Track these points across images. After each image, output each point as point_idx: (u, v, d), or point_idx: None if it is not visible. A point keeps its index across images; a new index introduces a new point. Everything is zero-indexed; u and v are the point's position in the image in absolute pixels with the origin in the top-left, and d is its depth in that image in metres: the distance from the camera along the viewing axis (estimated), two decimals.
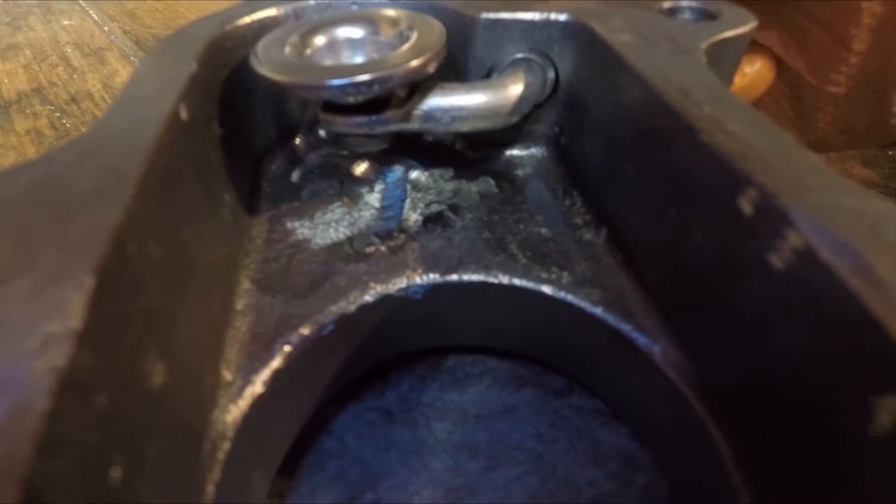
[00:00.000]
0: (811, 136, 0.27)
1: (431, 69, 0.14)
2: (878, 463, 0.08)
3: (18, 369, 0.07)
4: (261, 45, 0.15)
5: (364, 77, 0.13)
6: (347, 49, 0.16)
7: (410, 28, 0.15)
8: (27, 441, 0.06)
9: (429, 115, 0.15)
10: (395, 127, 0.15)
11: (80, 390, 0.07)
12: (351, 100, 0.14)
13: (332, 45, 0.15)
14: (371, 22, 0.16)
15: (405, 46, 0.14)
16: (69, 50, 0.45)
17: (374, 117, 0.15)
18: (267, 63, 0.14)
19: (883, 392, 0.08)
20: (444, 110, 0.15)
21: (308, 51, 0.15)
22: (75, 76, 0.41)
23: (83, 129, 0.35)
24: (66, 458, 0.07)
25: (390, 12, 0.16)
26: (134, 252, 0.09)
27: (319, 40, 0.15)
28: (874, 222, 0.08)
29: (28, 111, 0.37)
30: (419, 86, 0.15)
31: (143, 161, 0.10)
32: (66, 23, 0.50)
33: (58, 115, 0.36)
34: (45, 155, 0.11)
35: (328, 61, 0.15)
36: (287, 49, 0.14)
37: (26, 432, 0.06)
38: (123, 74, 0.41)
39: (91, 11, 0.53)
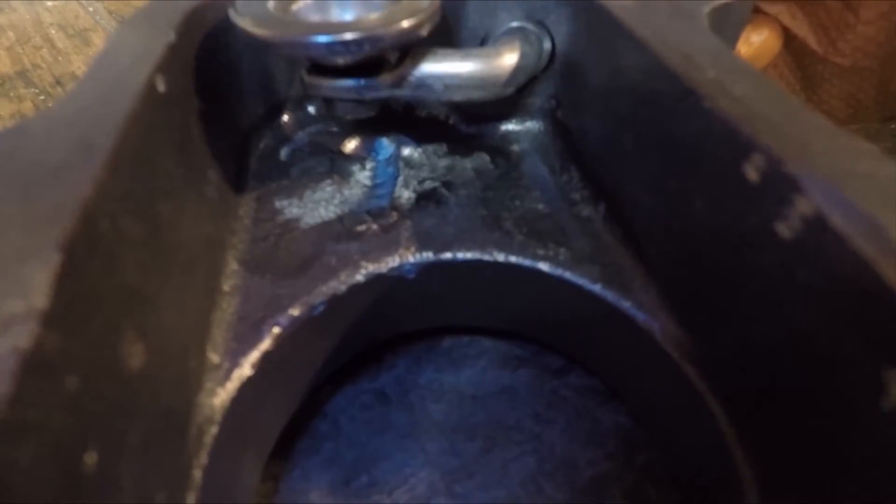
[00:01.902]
0: (816, 109, 0.27)
1: (425, 32, 0.13)
2: (889, 438, 0.07)
3: None
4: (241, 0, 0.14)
5: (353, 35, 0.12)
6: (336, 6, 0.15)
7: None
8: None
9: (420, 82, 0.14)
10: (385, 93, 0.14)
11: (47, 372, 0.07)
12: (339, 61, 0.13)
13: (320, 2, 0.15)
14: None
15: (398, 6, 0.13)
16: (53, 31, 0.44)
17: (363, 81, 0.14)
18: (248, 16, 0.13)
19: None
20: (437, 77, 0.14)
21: (294, 6, 0.14)
22: (60, 58, 0.40)
23: None
24: (32, 444, 0.07)
25: None
26: (106, 228, 0.09)
27: None
28: (886, 185, 0.08)
29: (12, 94, 0.36)
30: (411, 50, 0.14)
31: (116, 134, 0.10)
32: (49, 3, 0.49)
33: (42, 98, 0.35)
34: (13, 128, 0.10)
35: (315, 18, 0.14)
36: (271, 3, 0.14)
37: None
38: None
39: None
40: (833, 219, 0.08)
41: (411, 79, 0.14)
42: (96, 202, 0.09)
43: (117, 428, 0.09)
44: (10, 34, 0.44)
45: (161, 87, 0.12)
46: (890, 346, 0.07)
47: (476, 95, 0.15)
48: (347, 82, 0.14)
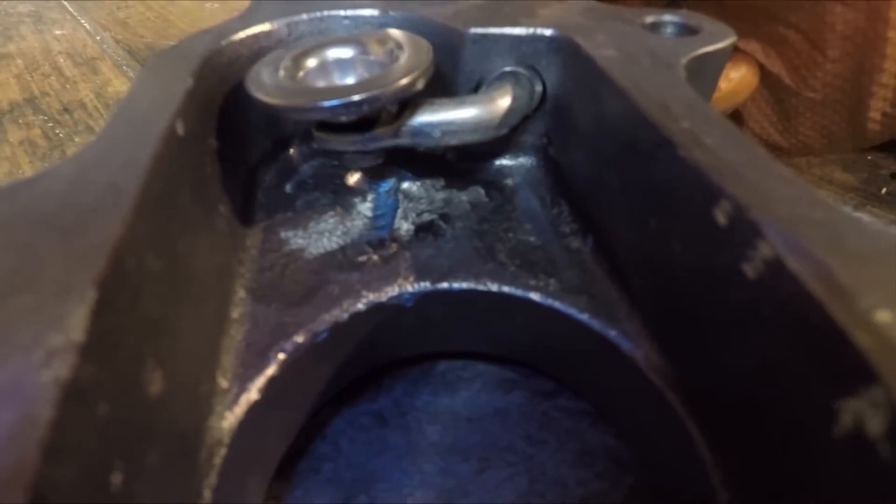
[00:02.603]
0: (793, 140, 0.28)
1: (420, 86, 0.14)
2: (842, 462, 0.08)
3: (25, 380, 0.07)
4: (254, 70, 0.15)
5: (354, 98, 0.13)
6: (337, 70, 0.16)
7: (399, 47, 0.15)
8: (34, 448, 0.07)
9: (419, 131, 0.16)
10: (387, 143, 0.16)
11: (83, 400, 0.08)
12: (343, 119, 0.14)
13: (324, 67, 0.16)
14: (360, 43, 0.16)
15: (394, 65, 0.15)
16: (61, 59, 0.45)
17: (366, 134, 0.15)
18: (261, 87, 0.14)
19: (845, 395, 0.08)
20: (434, 125, 0.16)
21: (301, 73, 0.16)
22: (68, 86, 0.41)
23: (76, 140, 0.35)
24: (69, 465, 0.07)
25: (378, 34, 0.16)
26: (133, 265, 0.10)
27: (311, 62, 0.16)
28: (838, 233, 0.09)
29: (21, 121, 0.37)
30: (409, 102, 0.16)
31: (142, 176, 0.11)
32: (57, 32, 0.51)
33: (51, 125, 0.36)
34: (46, 171, 0.11)
35: (321, 83, 0.16)
36: (281, 72, 0.15)
37: (33, 440, 0.07)
38: (116, 84, 0.41)
39: (83, 21, 0.53)
40: (789, 262, 0.09)
41: (410, 128, 0.16)
42: (125, 242, 0.10)
43: (139, 450, 0.09)
44: (20, 62, 0.45)
45: (180, 130, 0.13)
46: (839, 380, 0.08)
47: (472, 138, 0.16)
48: (352, 136, 0.15)
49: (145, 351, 0.10)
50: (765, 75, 0.27)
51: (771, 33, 0.26)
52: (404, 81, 0.14)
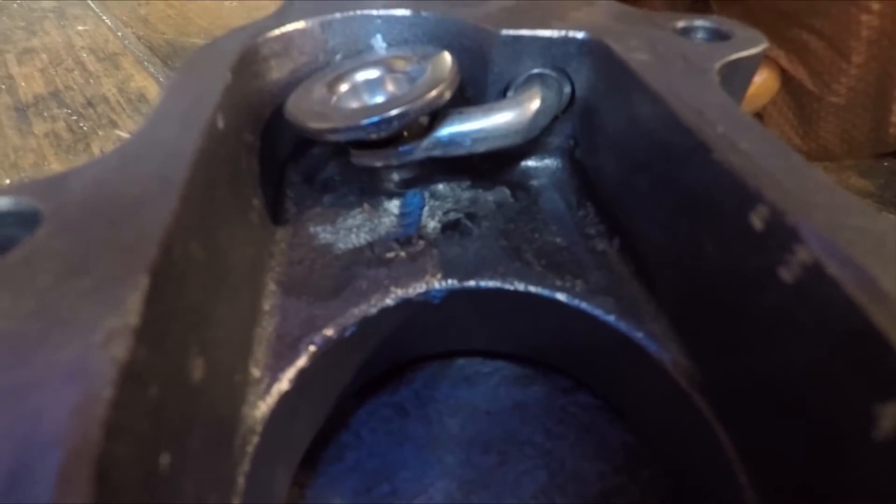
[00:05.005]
0: (813, 145, 0.28)
1: (447, 97, 0.15)
2: (880, 466, 0.08)
3: (86, 360, 0.07)
4: (291, 100, 0.16)
5: (386, 114, 0.14)
6: (366, 91, 0.17)
7: (423, 62, 0.16)
8: (97, 425, 0.07)
9: (450, 141, 0.16)
10: (420, 155, 0.16)
11: (137, 382, 0.08)
12: (374, 137, 0.15)
13: (355, 90, 0.17)
14: (385, 64, 0.17)
15: (421, 80, 0.15)
16: (84, 55, 0.46)
17: (399, 149, 0.16)
18: (305, 117, 0.15)
19: (885, 399, 0.08)
20: (465, 134, 0.16)
21: (334, 98, 0.17)
22: (91, 80, 0.42)
23: (100, 133, 0.35)
24: (126, 444, 0.08)
25: (403, 53, 0.18)
26: (180, 254, 0.10)
27: (343, 87, 0.17)
28: (879, 239, 0.09)
29: (45, 114, 0.37)
30: (438, 114, 0.16)
31: (187, 168, 0.11)
32: (80, 28, 0.51)
33: (75, 118, 0.37)
34: (93, 161, 0.11)
35: (354, 104, 0.17)
36: (315, 98, 0.16)
37: (96, 417, 0.07)
38: (138, 79, 0.42)
39: (104, 17, 0.53)
40: (830, 267, 0.09)
41: (441, 139, 0.16)
42: (173, 231, 0.10)
43: (183, 434, 0.09)
44: (44, 56, 0.46)
45: (220, 124, 0.13)
46: (879, 384, 0.08)
47: (502, 144, 0.16)
48: (387, 151, 0.16)
49: (190, 338, 0.10)
50: (786, 80, 0.27)
51: (793, 39, 0.26)
52: (431, 95, 0.15)
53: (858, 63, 0.24)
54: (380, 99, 0.17)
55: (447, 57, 0.16)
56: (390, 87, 0.17)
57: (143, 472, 0.08)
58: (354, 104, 0.17)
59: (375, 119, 0.14)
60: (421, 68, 0.16)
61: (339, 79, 0.17)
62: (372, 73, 0.17)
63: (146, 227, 0.10)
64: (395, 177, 0.18)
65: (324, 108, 0.16)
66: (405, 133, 0.16)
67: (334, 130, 0.15)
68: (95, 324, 0.08)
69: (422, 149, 0.16)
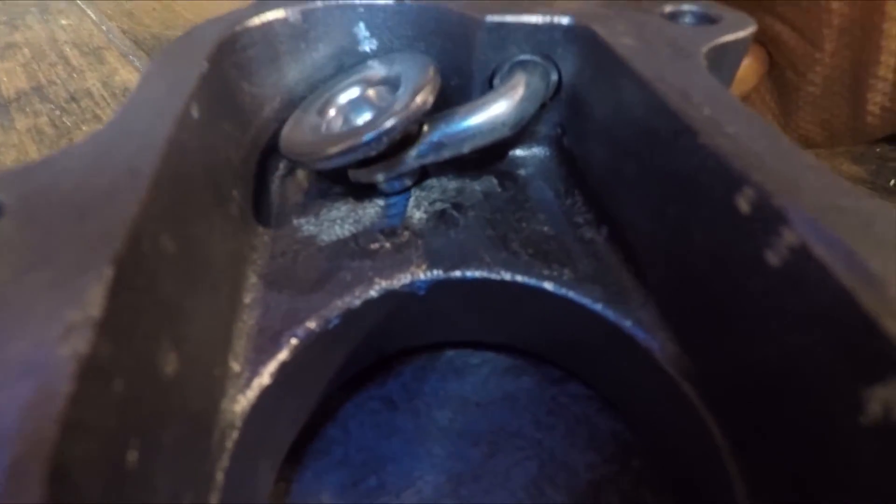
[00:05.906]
0: (794, 134, 0.28)
1: (431, 102, 0.15)
2: (869, 451, 0.08)
3: (43, 354, 0.07)
4: (285, 133, 0.17)
5: (372, 134, 0.15)
6: (353, 113, 0.18)
7: (398, 73, 0.17)
8: (53, 422, 0.07)
9: (440, 144, 0.16)
10: (414, 163, 0.16)
11: (100, 376, 0.08)
12: (373, 153, 0.15)
13: (343, 112, 0.18)
14: (365, 80, 0.18)
15: (400, 93, 0.15)
16: (68, 49, 0.45)
17: (392, 160, 0.16)
18: (301, 149, 0.16)
19: (873, 383, 0.08)
20: (453, 135, 0.16)
21: (322, 127, 0.17)
22: (74, 75, 0.41)
23: (84, 128, 0.35)
24: (87, 441, 0.07)
25: (377, 66, 0.18)
26: (148, 246, 0.10)
27: (331, 112, 0.17)
28: (867, 220, 0.09)
29: (28, 109, 0.37)
30: (423, 122, 0.16)
31: (157, 158, 0.11)
32: (63, 22, 0.50)
33: (58, 113, 0.36)
34: (62, 150, 0.11)
35: (343, 127, 0.17)
36: (306, 127, 0.17)
37: (52, 414, 0.07)
38: (123, 73, 0.41)
39: (89, 11, 0.53)
40: (817, 249, 0.09)
41: (431, 145, 0.16)
42: (141, 222, 0.09)
43: (154, 429, 0.09)
44: (26, 51, 0.45)
45: (195, 113, 0.13)
46: (867, 368, 0.08)
47: (492, 138, 0.16)
48: (382, 164, 0.16)
49: (160, 332, 0.10)
50: (772, 66, 0.27)
51: (767, 29, 0.26)
52: (420, 99, 0.15)
53: (831, 51, 0.24)
54: (367, 116, 0.17)
55: (422, 59, 0.17)
56: (373, 107, 0.18)
57: (109, 469, 0.08)
58: (343, 126, 0.17)
59: (372, 135, 0.15)
60: (396, 72, 0.17)
61: (327, 104, 0.18)
62: (353, 93, 0.18)
63: (113, 219, 0.09)
64: (397, 185, 0.18)
65: (316, 136, 0.16)
66: (399, 145, 0.16)
67: (334, 155, 0.15)
68: (55, 316, 0.08)
69: (413, 158, 0.16)
